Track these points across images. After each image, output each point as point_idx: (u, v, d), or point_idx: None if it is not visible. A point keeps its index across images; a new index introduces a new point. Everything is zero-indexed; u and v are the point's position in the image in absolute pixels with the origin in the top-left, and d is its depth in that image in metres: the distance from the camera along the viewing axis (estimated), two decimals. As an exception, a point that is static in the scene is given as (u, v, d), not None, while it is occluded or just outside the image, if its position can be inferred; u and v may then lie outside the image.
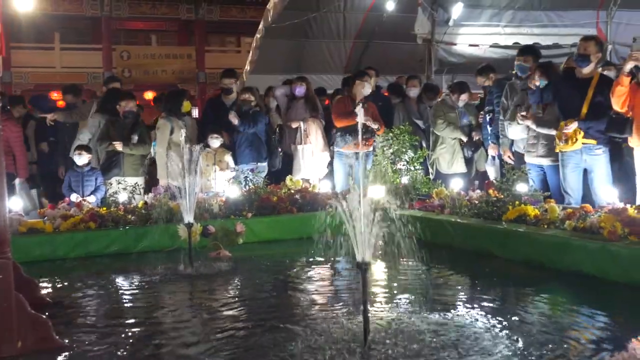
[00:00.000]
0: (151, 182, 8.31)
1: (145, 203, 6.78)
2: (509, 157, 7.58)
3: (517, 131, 7.36)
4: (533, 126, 6.87)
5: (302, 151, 8.77)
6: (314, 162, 8.76)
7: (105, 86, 8.89)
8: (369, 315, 3.27)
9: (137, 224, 6.43)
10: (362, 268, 3.19)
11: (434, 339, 3.38)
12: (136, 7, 22.74)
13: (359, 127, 3.86)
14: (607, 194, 5.95)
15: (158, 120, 8.51)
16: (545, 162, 6.94)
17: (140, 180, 7.95)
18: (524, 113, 6.87)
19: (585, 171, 6.56)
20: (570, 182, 6.56)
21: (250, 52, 12.63)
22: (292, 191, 7.32)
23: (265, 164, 8.59)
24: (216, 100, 9.29)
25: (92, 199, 7.40)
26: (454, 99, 8.34)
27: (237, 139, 8.46)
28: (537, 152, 6.98)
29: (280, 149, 8.92)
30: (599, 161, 6.44)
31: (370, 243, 3.15)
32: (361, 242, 3.15)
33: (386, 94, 10.23)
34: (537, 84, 6.81)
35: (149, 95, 19.44)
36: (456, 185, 7.12)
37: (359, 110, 3.67)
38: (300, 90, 9.02)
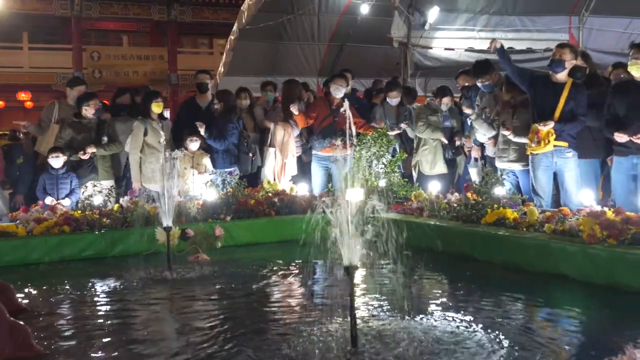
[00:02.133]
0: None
1: (121, 206, 6.67)
2: (477, 154, 7.80)
3: (481, 134, 7.51)
4: (511, 137, 6.98)
5: (269, 153, 8.76)
6: (277, 166, 8.73)
7: (70, 87, 8.57)
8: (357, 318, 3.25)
9: (113, 227, 6.32)
10: (350, 272, 3.16)
11: (420, 343, 3.37)
12: (107, 7, 22.48)
13: (346, 128, 3.77)
14: (578, 196, 6.09)
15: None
16: (517, 166, 7.06)
17: (110, 183, 7.88)
18: (508, 126, 6.99)
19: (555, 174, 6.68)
20: (541, 184, 6.65)
21: (224, 54, 12.58)
22: (270, 194, 7.27)
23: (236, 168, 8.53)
24: (190, 102, 9.21)
25: (66, 202, 7.27)
26: (437, 102, 8.38)
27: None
28: (508, 157, 7.10)
29: (252, 154, 8.80)
30: (569, 164, 6.58)
31: (358, 246, 3.14)
32: (348, 245, 3.13)
33: (361, 96, 10.25)
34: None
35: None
36: (438, 186, 7.13)
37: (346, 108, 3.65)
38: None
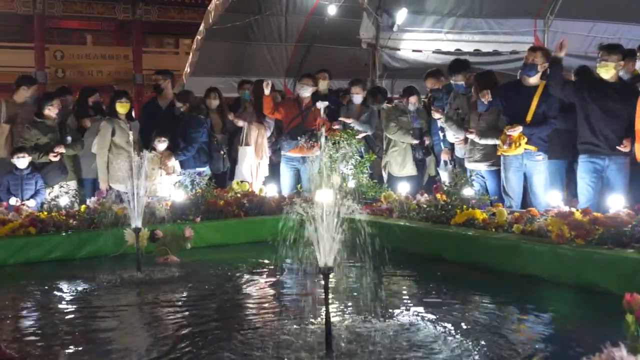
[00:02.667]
0: None
1: (88, 207, 6.57)
2: (448, 157, 7.82)
3: (452, 135, 7.57)
4: (477, 139, 7.04)
5: (241, 152, 8.72)
6: (252, 165, 8.70)
7: (16, 86, 8.30)
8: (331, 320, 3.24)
9: (80, 228, 6.22)
10: (325, 273, 3.15)
11: (393, 345, 3.37)
12: (71, 6, 22.10)
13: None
14: (545, 198, 6.20)
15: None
16: (483, 167, 7.14)
17: (75, 184, 7.77)
18: (472, 129, 7.05)
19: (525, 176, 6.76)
20: (512, 185, 6.74)
21: (190, 53, 12.45)
22: (239, 195, 7.23)
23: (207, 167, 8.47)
24: (151, 103, 9.12)
25: (31, 203, 7.13)
26: (404, 102, 8.41)
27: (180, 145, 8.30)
28: (473, 157, 7.17)
29: (223, 152, 8.75)
30: (539, 167, 6.68)
31: (333, 247, 3.13)
32: (323, 246, 3.12)
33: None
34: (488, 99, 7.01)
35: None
36: (407, 188, 7.16)
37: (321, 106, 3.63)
38: None
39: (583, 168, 6.34)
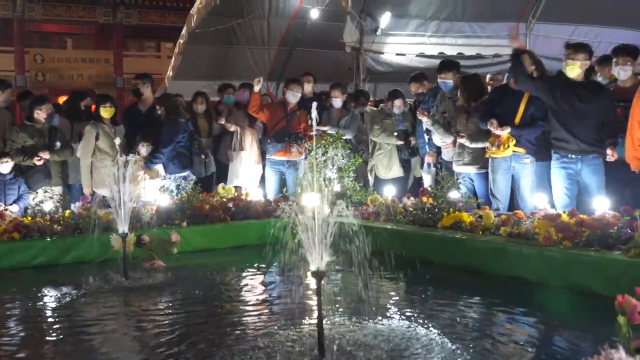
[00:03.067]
0: None
1: (72, 212, 6.51)
2: (432, 160, 7.84)
3: (438, 139, 7.59)
4: (467, 143, 7.06)
5: (237, 157, 8.65)
6: (248, 170, 8.64)
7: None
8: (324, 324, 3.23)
9: (64, 234, 6.16)
10: (318, 277, 3.14)
11: (385, 349, 3.37)
12: (51, 9, 21.96)
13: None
14: (532, 201, 6.22)
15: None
16: (472, 169, 7.16)
17: (61, 189, 7.70)
18: (462, 134, 7.08)
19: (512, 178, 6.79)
20: (499, 187, 6.78)
21: (173, 57, 12.42)
22: (225, 199, 7.20)
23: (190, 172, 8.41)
24: (131, 108, 9.06)
25: (14, 208, 7.05)
26: (389, 105, 8.43)
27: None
28: (463, 160, 7.19)
29: (204, 156, 8.67)
30: (526, 169, 6.70)
31: (326, 251, 3.12)
32: (316, 250, 3.11)
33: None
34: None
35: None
36: (393, 190, 7.16)
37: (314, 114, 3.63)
38: (244, 96, 8.91)
39: (557, 174, 6.35)
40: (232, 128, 8.71)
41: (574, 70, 6.15)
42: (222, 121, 8.81)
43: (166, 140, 7.99)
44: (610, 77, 7.06)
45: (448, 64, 7.83)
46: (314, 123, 3.69)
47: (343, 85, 9.38)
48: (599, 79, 6.92)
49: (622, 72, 6.30)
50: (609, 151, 6.03)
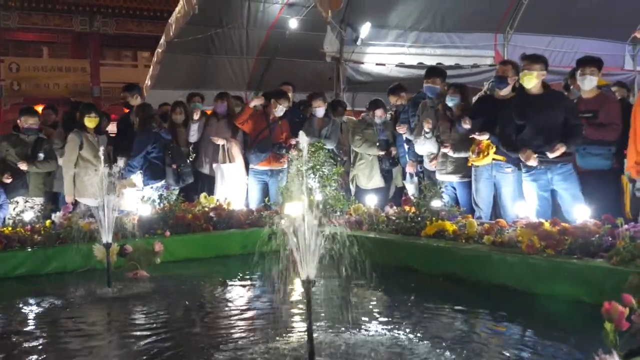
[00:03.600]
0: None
1: (53, 222, 6.45)
2: (413, 169, 7.90)
3: (423, 148, 7.62)
4: (450, 153, 7.13)
5: (226, 170, 8.56)
6: (237, 182, 8.59)
7: None
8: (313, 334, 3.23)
9: (46, 244, 6.10)
10: (307, 285, 3.14)
11: (375, 356, 3.38)
12: (27, 18, 21.80)
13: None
14: (514, 209, 6.28)
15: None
16: (455, 178, 7.22)
17: (42, 200, 7.63)
18: (446, 144, 7.12)
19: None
20: (482, 196, 6.83)
21: (151, 66, 12.41)
22: (207, 209, 7.18)
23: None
24: (124, 119, 8.99)
25: (-5, 218, 6.99)
26: (370, 115, 8.48)
27: None
28: (446, 169, 7.25)
29: (178, 167, 8.55)
30: (508, 178, 6.75)
31: (315, 260, 3.13)
32: (306, 259, 3.11)
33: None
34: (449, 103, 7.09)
35: (39, 109, 18.61)
36: (375, 200, 7.19)
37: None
38: (222, 107, 8.79)
39: (528, 187, 6.34)
40: (220, 142, 8.59)
41: (531, 80, 6.18)
42: (218, 140, 8.62)
43: (135, 151, 7.95)
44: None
45: (436, 69, 7.90)
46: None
47: (323, 94, 9.40)
48: (577, 93, 6.97)
49: (587, 82, 6.36)
50: (556, 147, 5.98)
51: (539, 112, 6.16)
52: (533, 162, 6.10)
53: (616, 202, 6.46)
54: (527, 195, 6.36)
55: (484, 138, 6.61)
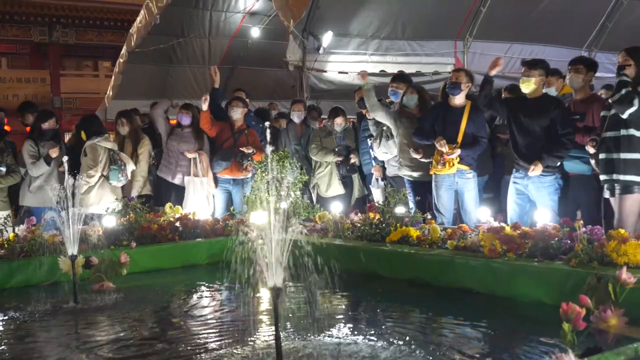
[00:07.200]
0: None
1: (16, 235, 6.37)
2: (379, 174, 8.00)
3: (382, 152, 7.73)
4: (424, 160, 7.21)
5: (199, 184, 8.47)
6: (207, 196, 8.56)
7: None
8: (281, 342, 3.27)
9: (9, 258, 6.02)
10: (274, 293, 3.18)
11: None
12: (-16, 28, 21.50)
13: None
14: (476, 214, 6.39)
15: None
16: (412, 174, 7.35)
17: (7, 213, 7.52)
18: (420, 150, 7.17)
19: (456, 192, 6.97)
20: (443, 202, 6.94)
21: (113, 76, 12.36)
22: (172, 219, 7.16)
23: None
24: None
25: (-44, 232, 6.85)
26: (330, 123, 8.56)
27: None
28: (403, 163, 7.44)
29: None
30: (469, 184, 6.90)
31: (282, 267, 3.16)
32: (272, 266, 3.15)
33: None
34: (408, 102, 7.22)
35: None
36: (336, 208, 7.25)
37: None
38: (186, 119, 8.63)
39: (510, 189, 6.53)
40: (192, 155, 8.47)
41: (529, 86, 6.28)
42: (190, 155, 8.49)
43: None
44: (563, 89, 7.28)
45: (402, 76, 8.04)
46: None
47: (303, 101, 9.51)
48: (554, 93, 7.05)
49: (574, 79, 6.41)
50: (532, 166, 6.13)
51: (528, 117, 6.27)
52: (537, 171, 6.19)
53: (598, 207, 6.47)
54: (507, 198, 6.54)
55: (454, 156, 6.71)
